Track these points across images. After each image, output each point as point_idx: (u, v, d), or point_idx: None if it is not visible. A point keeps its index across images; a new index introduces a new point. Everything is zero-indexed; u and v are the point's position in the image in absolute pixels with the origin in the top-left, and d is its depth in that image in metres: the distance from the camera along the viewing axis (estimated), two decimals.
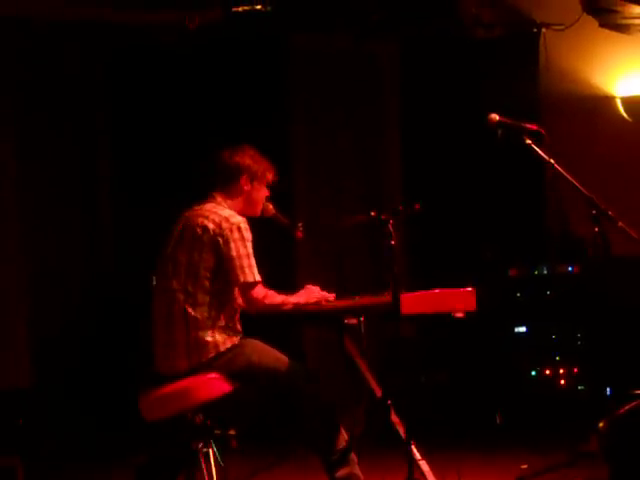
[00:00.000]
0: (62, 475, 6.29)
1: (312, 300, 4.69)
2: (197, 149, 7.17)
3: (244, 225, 4.59)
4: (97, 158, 7.75)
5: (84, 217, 7.68)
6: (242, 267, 4.52)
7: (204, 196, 4.75)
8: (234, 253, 4.52)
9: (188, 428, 4.41)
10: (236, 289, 4.60)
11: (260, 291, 4.57)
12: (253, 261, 4.55)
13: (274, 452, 6.14)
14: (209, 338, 4.49)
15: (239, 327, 4.63)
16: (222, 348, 4.50)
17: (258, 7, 7.16)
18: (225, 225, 4.56)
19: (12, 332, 7.30)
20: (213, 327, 4.51)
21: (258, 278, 4.55)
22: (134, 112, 7.68)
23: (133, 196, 7.63)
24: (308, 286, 4.76)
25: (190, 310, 4.50)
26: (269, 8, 7.18)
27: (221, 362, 4.48)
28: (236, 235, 4.55)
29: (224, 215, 4.61)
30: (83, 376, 7.32)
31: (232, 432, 4.51)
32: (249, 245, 4.56)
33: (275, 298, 4.62)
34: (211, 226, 4.56)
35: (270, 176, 4.80)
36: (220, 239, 4.53)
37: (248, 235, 4.58)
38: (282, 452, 6.05)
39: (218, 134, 7.14)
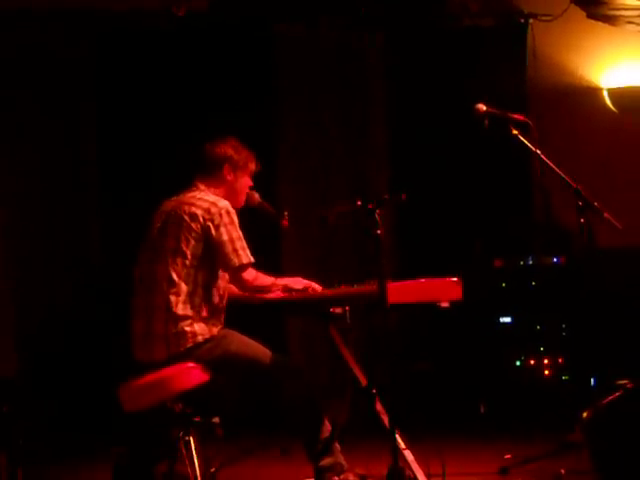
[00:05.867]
0: (45, 464, 6.27)
1: (299, 285, 4.70)
2: (184, 136, 7.17)
3: (231, 208, 4.61)
4: (84, 144, 7.72)
5: (70, 205, 7.65)
6: (235, 250, 4.53)
7: (187, 185, 4.75)
8: (226, 237, 4.53)
9: (168, 417, 4.41)
10: (221, 279, 4.60)
11: (251, 273, 4.59)
12: (245, 243, 4.57)
13: (258, 439, 6.15)
14: (188, 328, 4.49)
15: (221, 318, 4.63)
16: (200, 338, 4.50)
17: None
18: (214, 210, 4.57)
19: None
20: (194, 317, 4.51)
21: (252, 259, 4.57)
22: (121, 99, 7.65)
23: (120, 183, 7.60)
24: (297, 278, 4.80)
25: (172, 299, 4.50)
26: None
27: (199, 352, 4.49)
28: (226, 219, 4.56)
29: (210, 200, 4.62)
30: (68, 365, 7.30)
31: (216, 420, 4.52)
32: (238, 227, 4.57)
33: (265, 279, 4.65)
34: (200, 212, 4.56)
35: (252, 165, 4.81)
36: (211, 224, 4.54)
37: (236, 218, 4.60)
38: (265, 439, 6.07)
39: (204, 121, 7.13)
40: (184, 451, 4.40)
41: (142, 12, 7.34)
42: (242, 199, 4.81)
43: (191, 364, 4.46)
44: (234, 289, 4.72)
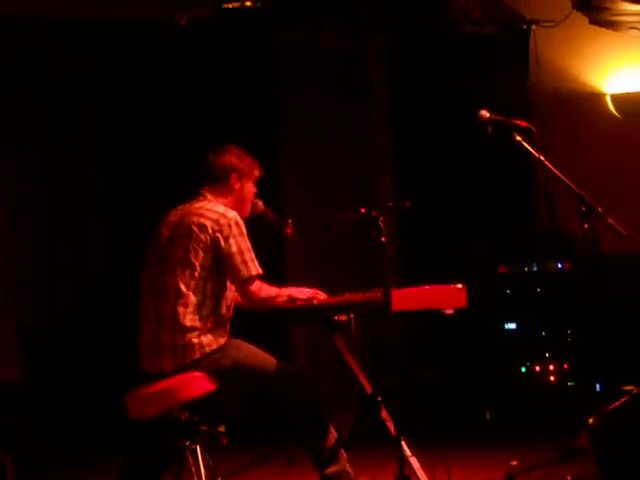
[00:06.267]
0: (50, 472, 6.28)
1: (304, 295, 4.70)
2: (185, 145, 7.19)
3: (239, 219, 4.61)
4: (85, 149, 7.73)
5: (71, 209, 7.66)
6: (245, 262, 4.53)
7: (193, 195, 4.75)
8: (235, 249, 4.52)
9: (174, 426, 4.41)
10: (229, 289, 4.59)
11: (257, 284, 4.58)
12: (253, 254, 4.57)
13: (264, 449, 6.15)
14: (195, 340, 4.48)
15: (227, 328, 4.63)
16: (208, 350, 4.49)
17: (248, 4, 7.17)
18: (223, 221, 4.56)
19: (1, 330, 7.28)
20: (202, 329, 4.50)
21: (260, 271, 4.57)
22: (122, 105, 7.67)
23: (122, 192, 7.61)
24: (301, 287, 4.79)
25: (181, 310, 4.49)
26: (258, 4, 7.18)
27: (207, 362, 4.49)
28: (235, 230, 4.55)
29: (219, 211, 4.61)
30: (72, 373, 7.30)
31: (221, 429, 4.51)
32: (247, 239, 4.57)
33: (270, 290, 4.64)
34: (209, 223, 4.56)
35: (257, 172, 4.82)
36: (220, 236, 4.53)
37: (244, 229, 4.60)
38: (271, 449, 6.06)
39: (206, 127, 7.15)
40: (191, 460, 4.39)
41: (143, 21, 7.35)
42: (248, 208, 4.81)
43: (198, 373, 4.46)
44: (239, 298, 4.72)
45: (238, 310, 4.71)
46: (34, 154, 7.53)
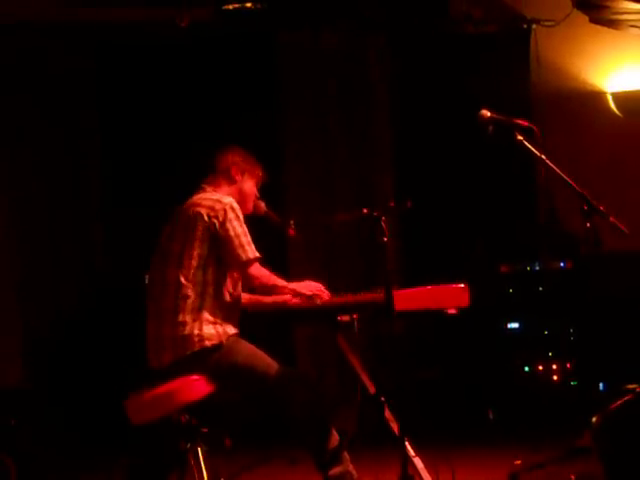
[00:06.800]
0: (53, 475, 6.27)
1: (309, 291, 4.69)
2: (187, 145, 7.19)
3: (235, 204, 4.60)
4: (85, 149, 7.74)
5: (72, 210, 7.66)
6: (242, 245, 4.52)
7: (194, 190, 4.76)
8: (232, 233, 4.53)
9: (174, 429, 4.40)
10: (230, 277, 4.59)
11: (258, 268, 4.58)
12: (250, 238, 4.56)
13: (265, 449, 6.14)
14: (196, 331, 4.47)
15: (235, 320, 4.61)
16: (208, 344, 4.47)
17: (248, 5, 7.17)
18: (218, 206, 4.56)
19: (4, 331, 7.28)
20: (202, 320, 4.48)
21: (257, 254, 4.56)
22: (122, 108, 7.67)
23: (124, 193, 7.62)
24: (309, 281, 4.77)
25: (181, 302, 4.49)
26: (259, 5, 7.19)
27: (207, 360, 4.46)
28: (231, 215, 4.55)
29: (214, 198, 4.62)
30: (75, 375, 7.30)
31: (224, 431, 4.51)
32: (243, 223, 4.57)
33: (276, 280, 4.64)
34: (204, 211, 4.56)
35: (259, 172, 4.83)
36: (216, 221, 4.53)
37: (240, 214, 4.60)
38: (272, 449, 6.05)
39: (208, 131, 7.15)
40: (192, 462, 4.38)
41: (144, 23, 7.35)
42: (250, 206, 4.80)
43: (196, 376, 4.42)
44: (244, 296, 4.73)
45: (242, 310, 4.71)
46: (34, 154, 7.54)
